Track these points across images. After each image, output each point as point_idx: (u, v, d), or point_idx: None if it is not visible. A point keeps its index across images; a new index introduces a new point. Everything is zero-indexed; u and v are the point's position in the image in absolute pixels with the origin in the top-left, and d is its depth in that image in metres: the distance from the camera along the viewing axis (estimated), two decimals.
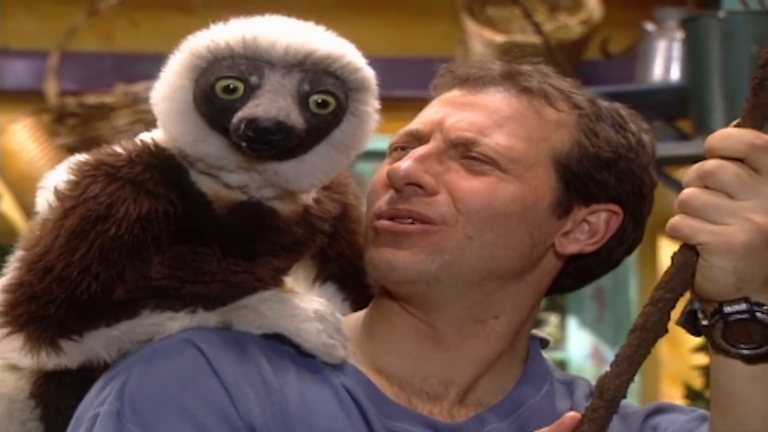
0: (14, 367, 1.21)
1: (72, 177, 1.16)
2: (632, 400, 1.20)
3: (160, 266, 1.16)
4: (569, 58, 3.24)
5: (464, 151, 1.21)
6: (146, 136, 1.19)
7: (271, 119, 1.09)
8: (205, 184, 1.17)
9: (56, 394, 1.20)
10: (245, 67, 1.11)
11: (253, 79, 1.11)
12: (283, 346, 1.18)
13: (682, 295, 1.08)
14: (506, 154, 1.20)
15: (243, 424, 1.12)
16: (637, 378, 1.08)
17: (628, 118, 1.26)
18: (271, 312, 1.17)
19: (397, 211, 1.20)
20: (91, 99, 3.22)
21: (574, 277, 1.28)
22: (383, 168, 1.23)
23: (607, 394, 1.06)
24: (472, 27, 3.44)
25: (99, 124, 3.19)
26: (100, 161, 1.16)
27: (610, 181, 1.23)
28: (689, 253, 1.07)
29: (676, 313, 1.09)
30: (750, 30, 2.50)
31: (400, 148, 1.24)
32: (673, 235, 1.07)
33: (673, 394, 4.06)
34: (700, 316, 1.09)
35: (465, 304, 1.21)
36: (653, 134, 1.28)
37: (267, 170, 1.15)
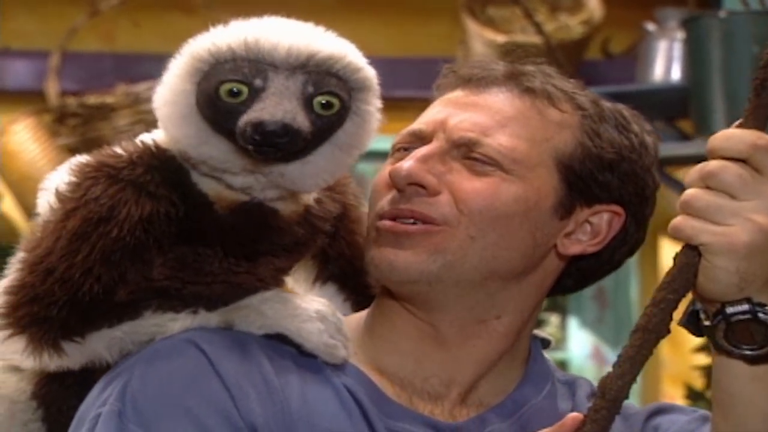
0: (15, 369, 1.21)
1: (73, 179, 1.16)
2: (633, 400, 1.20)
3: (161, 267, 1.16)
4: (570, 58, 3.24)
5: (467, 152, 1.21)
6: (147, 138, 1.19)
7: (278, 122, 1.09)
8: (206, 186, 1.17)
9: (58, 395, 1.20)
10: (248, 70, 1.11)
11: (257, 82, 1.11)
12: (285, 347, 1.18)
13: (684, 295, 1.08)
14: (509, 154, 1.20)
15: (245, 424, 1.12)
16: (638, 378, 1.08)
17: (631, 119, 1.26)
18: (272, 312, 1.17)
19: (399, 211, 1.20)
20: (92, 99, 3.22)
21: (576, 277, 1.28)
22: (385, 168, 1.23)
23: (610, 395, 1.06)
24: (473, 27, 3.44)
25: (100, 125, 3.19)
26: (101, 163, 1.16)
27: (613, 182, 1.23)
28: (691, 253, 1.07)
29: (678, 314, 1.09)
30: (751, 30, 2.50)
31: (403, 149, 1.24)
32: (675, 236, 1.07)
33: (674, 395, 4.06)
34: (702, 316, 1.09)
35: (467, 304, 1.21)
36: (656, 135, 1.28)
37: (273, 172, 1.15)
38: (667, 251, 3.89)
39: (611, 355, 4.21)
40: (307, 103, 1.12)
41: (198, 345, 1.15)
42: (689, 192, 1.06)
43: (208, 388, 1.13)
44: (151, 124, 1.22)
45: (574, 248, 1.24)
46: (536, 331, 1.30)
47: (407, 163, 1.20)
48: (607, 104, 1.26)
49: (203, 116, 1.13)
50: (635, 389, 1.07)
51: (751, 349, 1.08)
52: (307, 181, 1.17)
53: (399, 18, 3.92)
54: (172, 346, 1.15)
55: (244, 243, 1.18)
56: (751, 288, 1.06)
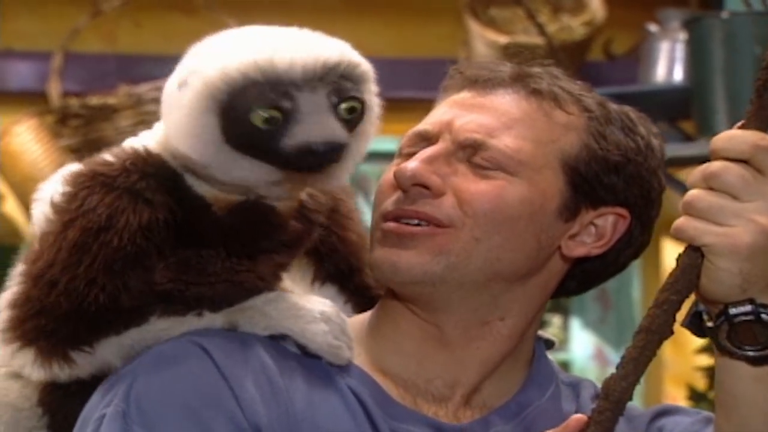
0: (18, 375, 1.20)
1: (68, 189, 1.16)
2: (636, 401, 1.20)
3: (164, 271, 1.17)
4: (572, 59, 3.23)
5: (472, 153, 1.21)
6: (135, 143, 1.19)
7: (327, 143, 1.11)
8: (201, 188, 1.17)
9: (64, 402, 1.20)
10: (274, 95, 1.11)
11: (286, 104, 1.11)
12: (289, 348, 1.18)
13: (687, 296, 1.08)
14: (514, 156, 1.20)
15: (249, 425, 1.12)
16: (641, 379, 1.07)
17: (638, 121, 1.26)
18: (276, 313, 1.18)
19: (403, 212, 1.20)
20: (95, 100, 3.22)
21: (580, 279, 1.28)
22: (391, 169, 1.23)
23: (613, 396, 1.06)
24: (475, 28, 3.43)
25: (102, 126, 3.19)
26: (94, 172, 1.16)
27: (619, 185, 1.23)
28: (694, 254, 1.06)
29: (681, 315, 1.09)
30: (753, 31, 2.49)
31: (409, 150, 1.24)
32: (678, 237, 1.07)
33: (676, 396, 4.06)
34: (705, 317, 1.09)
35: (471, 305, 1.21)
36: (662, 137, 1.28)
37: (312, 181, 1.17)
38: (670, 252, 3.89)
39: (614, 356, 4.20)
40: (336, 112, 1.13)
41: (202, 346, 1.15)
42: (692, 193, 1.06)
43: (212, 389, 1.13)
44: (153, 125, 1.22)
45: (578, 250, 1.24)
46: (540, 332, 1.30)
47: (412, 164, 1.20)
48: (613, 106, 1.26)
49: (233, 145, 1.13)
50: (638, 390, 1.08)
51: (754, 350, 1.08)
52: (340, 179, 1.19)
53: (400, 18, 3.91)
54: (176, 348, 1.15)
55: (246, 242, 1.18)
56: (754, 289, 1.06)
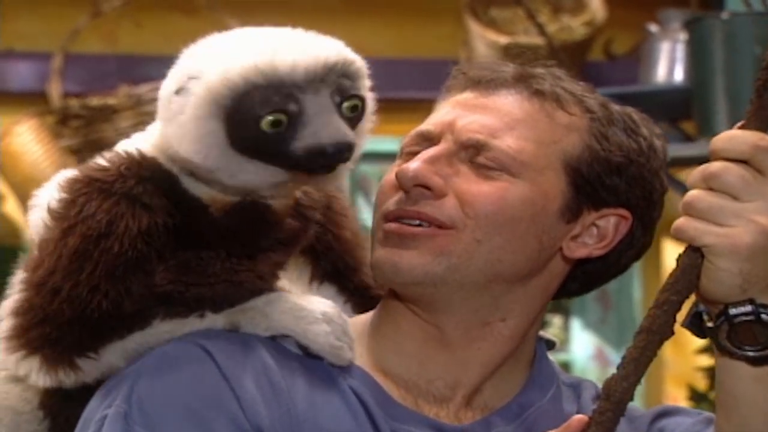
0: (17, 379, 1.20)
1: (64, 195, 1.15)
2: (636, 401, 1.20)
3: (164, 272, 1.16)
4: (573, 59, 3.23)
5: (474, 154, 1.20)
6: (129, 146, 1.18)
7: (338, 143, 1.11)
8: (198, 190, 1.17)
9: (65, 404, 1.20)
10: (279, 99, 1.11)
11: (292, 107, 1.11)
12: (290, 348, 1.18)
13: (687, 297, 1.08)
14: (516, 156, 1.20)
15: (251, 426, 1.12)
16: (641, 380, 1.08)
17: (640, 123, 1.26)
18: (278, 314, 1.18)
19: (404, 212, 1.20)
20: (95, 101, 3.23)
21: (581, 281, 1.28)
22: (392, 169, 1.23)
23: (614, 397, 1.06)
24: (476, 28, 3.44)
25: (102, 126, 3.19)
26: (90, 177, 1.15)
27: (621, 186, 1.23)
28: (694, 255, 1.07)
29: (681, 315, 1.09)
30: (753, 31, 2.49)
31: (411, 150, 1.24)
32: (678, 237, 1.07)
33: (676, 396, 4.06)
34: (705, 318, 1.09)
35: (472, 306, 1.21)
36: (665, 139, 1.28)
37: (317, 182, 1.18)
38: (670, 252, 3.89)
39: (614, 357, 4.20)
40: (340, 112, 1.13)
41: (204, 347, 1.15)
42: (692, 193, 1.06)
43: (214, 390, 1.13)
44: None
45: (580, 252, 1.24)
46: (541, 333, 1.30)
47: (414, 164, 1.20)
48: (616, 107, 1.26)
49: (238, 149, 1.13)
50: (639, 391, 1.08)
51: (754, 350, 1.08)
52: (341, 178, 1.19)
53: (400, 19, 3.91)
54: (178, 349, 1.16)
55: (244, 241, 1.18)
56: (754, 289, 1.06)
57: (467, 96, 1.25)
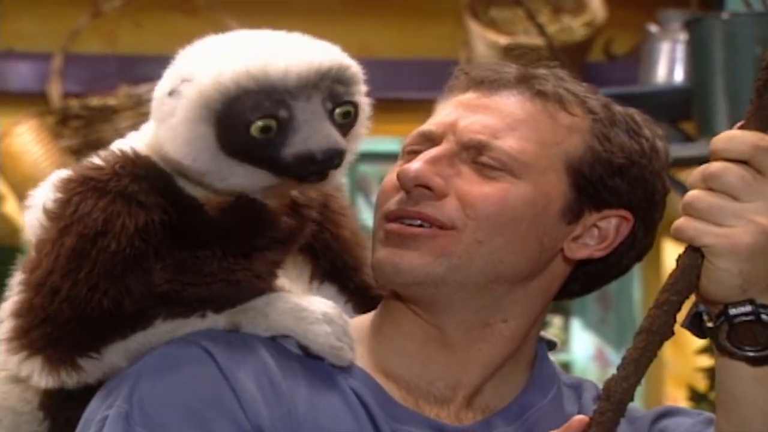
0: (17, 379, 1.20)
1: (60, 195, 1.15)
2: (636, 402, 1.20)
3: (161, 272, 1.16)
4: (573, 59, 3.24)
5: (476, 154, 1.20)
6: (123, 145, 1.18)
7: (327, 150, 1.11)
8: (193, 189, 1.17)
9: (65, 405, 1.20)
10: (269, 104, 1.11)
11: (282, 113, 1.11)
12: (291, 349, 1.18)
13: (687, 297, 1.08)
14: (518, 157, 1.20)
15: (251, 426, 1.12)
16: (641, 380, 1.08)
17: (643, 124, 1.26)
18: (278, 314, 1.18)
19: (405, 213, 1.20)
20: (95, 101, 3.23)
21: (582, 282, 1.28)
22: (394, 170, 1.23)
23: (615, 397, 1.06)
24: (476, 28, 3.44)
25: (102, 126, 3.20)
26: (84, 177, 1.15)
27: (622, 187, 1.23)
28: (694, 255, 1.07)
29: (681, 316, 1.09)
30: (753, 31, 2.49)
31: (413, 150, 1.24)
32: (678, 237, 1.07)
33: (676, 396, 4.06)
34: (705, 318, 1.09)
35: (473, 307, 1.21)
36: (667, 140, 1.28)
37: (308, 186, 1.17)
38: (670, 253, 3.89)
39: (614, 357, 4.21)
40: (331, 118, 1.13)
41: (205, 347, 1.15)
42: (692, 193, 1.06)
43: (214, 390, 1.13)
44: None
45: (581, 253, 1.23)
46: (542, 333, 1.30)
47: (415, 165, 1.20)
48: (618, 108, 1.26)
49: (228, 153, 1.13)
50: (639, 391, 1.08)
51: (754, 351, 1.08)
52: (332, 182, 1.19)
53: (401, 19, 3.91)
54: (179, 349, 1.16)
55: (241, 241, 1.18)
56: (754, 289, 1.06)
57: (469, 96, 1.25)
